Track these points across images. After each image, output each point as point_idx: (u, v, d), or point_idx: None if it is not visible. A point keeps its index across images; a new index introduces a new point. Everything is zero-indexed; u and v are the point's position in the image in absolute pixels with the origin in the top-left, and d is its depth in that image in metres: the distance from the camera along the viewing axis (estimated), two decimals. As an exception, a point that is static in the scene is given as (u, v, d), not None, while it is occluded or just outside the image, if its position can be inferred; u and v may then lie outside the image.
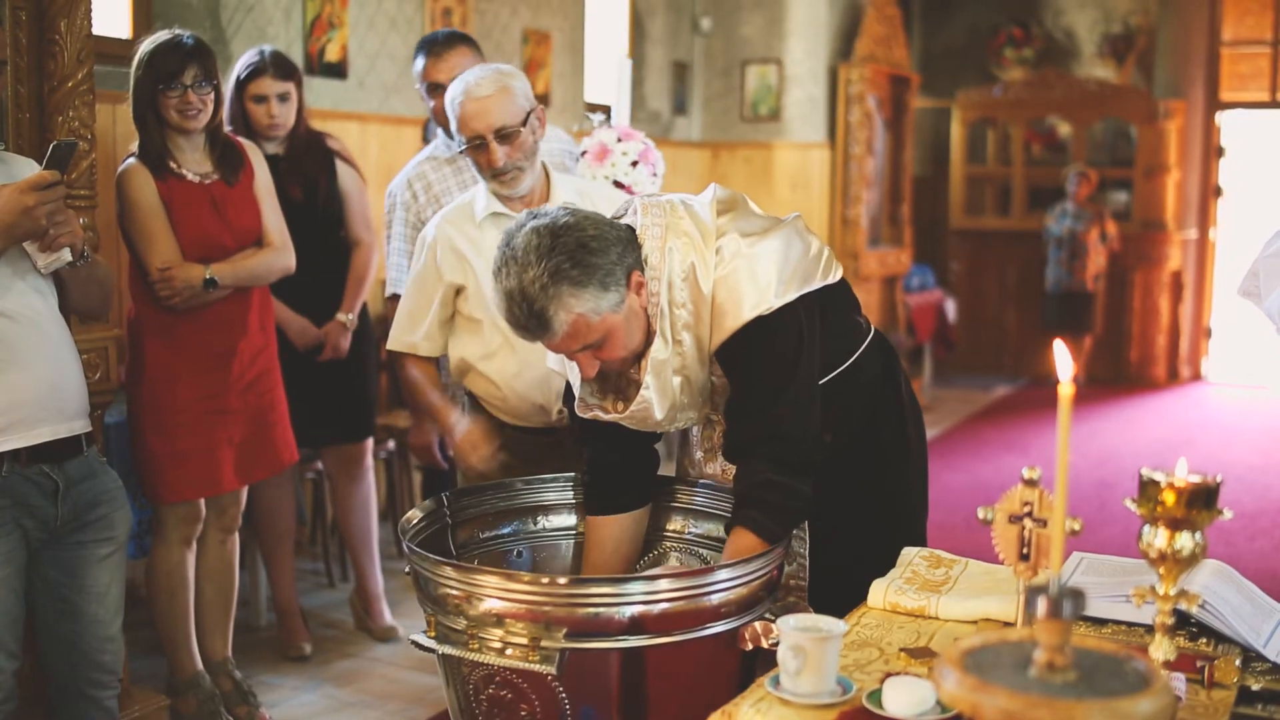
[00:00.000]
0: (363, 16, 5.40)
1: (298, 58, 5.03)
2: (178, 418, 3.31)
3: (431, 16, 5.75)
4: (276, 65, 3.82)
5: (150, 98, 3.21)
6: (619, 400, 2.32)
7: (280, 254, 3.46)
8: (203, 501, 3.44)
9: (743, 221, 2.28)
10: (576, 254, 2.08)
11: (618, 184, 3.79)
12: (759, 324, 2.19)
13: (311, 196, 3.92)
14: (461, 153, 2.77)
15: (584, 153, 3.89)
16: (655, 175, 4.01)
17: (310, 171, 3.93)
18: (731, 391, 2.29)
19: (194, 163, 3.32)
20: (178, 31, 3.25)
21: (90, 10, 2.97)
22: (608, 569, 2.44)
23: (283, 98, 3.82)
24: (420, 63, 3.62)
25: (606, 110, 4.22)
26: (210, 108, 3.27)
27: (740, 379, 2.26)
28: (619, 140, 3.94)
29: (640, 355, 2.23)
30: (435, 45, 3.62)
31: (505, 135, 2.72)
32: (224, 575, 3.58)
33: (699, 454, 2.49)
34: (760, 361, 2.22)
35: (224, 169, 3.36)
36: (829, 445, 2.31)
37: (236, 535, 3.62)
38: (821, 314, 2.29)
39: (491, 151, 2.73)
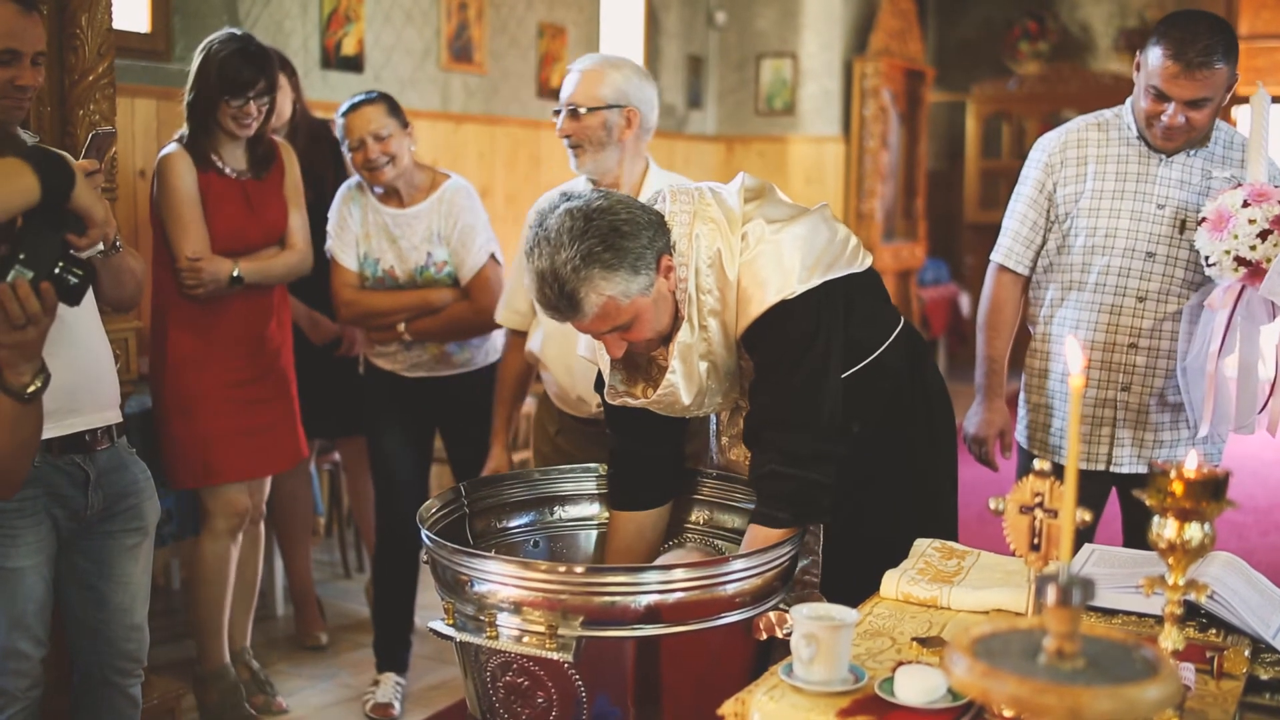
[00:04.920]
0: (379, 11, 5.41)
1: (314, 51, 5.05)
2: (214, 398, 3.36)
3: (448, 10, 5.77)
4: None
5: (212, 103, 3.25)
6: (647, 386, 2.34)
7: (303, 258, 3.53)
8: (246, 492, 3.49)
9: (769, 208, 2.30)
10: (609, 237, 2.10)
11: (1239, 259, 2.73)
12: (781, 309, 2.20)
13: (320, 195, 3.87)
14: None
15: (1202, 219, 2.82)
16: None
17: (316, 169, 3.92)
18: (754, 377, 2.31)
19: (234, 159, 3.38)
20: (233, 31, 3.30)
21: (111, 5, 3.01)
22: (628, 559, 2.46)
23: None
24: (1161, 57, 2.77)
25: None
26: (263, 116, 3.34)
27: (758, 364, 2.27)
28: (1244, 205, 2.75)
29: (667, 338, 2.26)
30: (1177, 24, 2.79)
31: (577, 111, 2.87)
32: (247, 565, 3.62)
33: (724, 439, 2.50)
34: (775, 347, 2.23)
35: (256, 165, 3.42)
36: (853, 437, 2.30)
37: (261, 526, 3.66)
38: (848, 303, 2.30)
39: (564, 120, 2.88)
